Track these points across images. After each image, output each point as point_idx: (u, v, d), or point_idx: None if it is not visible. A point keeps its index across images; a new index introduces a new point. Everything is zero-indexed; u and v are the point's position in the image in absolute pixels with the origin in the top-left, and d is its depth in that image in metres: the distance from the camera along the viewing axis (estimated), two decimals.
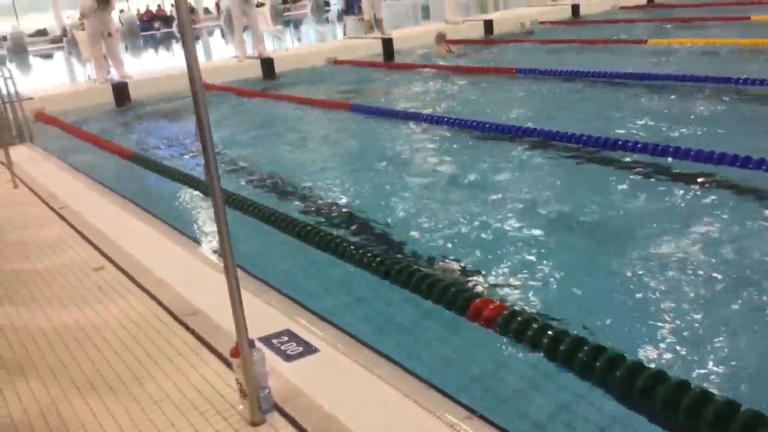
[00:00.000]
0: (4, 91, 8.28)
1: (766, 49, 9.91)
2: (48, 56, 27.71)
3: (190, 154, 7.51)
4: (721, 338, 3.12)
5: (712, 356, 2.98)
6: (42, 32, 34.56)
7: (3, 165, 6.51)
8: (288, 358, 2.76)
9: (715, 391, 2.54)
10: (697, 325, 3.22)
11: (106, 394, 2.66)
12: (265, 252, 4.52)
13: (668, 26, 13.67)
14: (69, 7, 33.57)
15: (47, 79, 17.80)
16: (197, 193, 5.72)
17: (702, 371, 2.86)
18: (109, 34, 11.70)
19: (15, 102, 8.52)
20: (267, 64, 13.16)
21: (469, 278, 3.84)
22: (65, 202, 5.48)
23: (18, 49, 28.58)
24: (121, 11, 31.54)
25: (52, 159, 7.40)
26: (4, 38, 30.71)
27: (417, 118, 7.93)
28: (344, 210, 5.21)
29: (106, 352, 3.00)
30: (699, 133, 6.18)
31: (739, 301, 3.39)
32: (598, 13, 17.31)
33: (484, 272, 3.90)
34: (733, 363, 2.94)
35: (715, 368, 2.89)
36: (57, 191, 5.85)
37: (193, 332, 3.08)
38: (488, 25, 15.96)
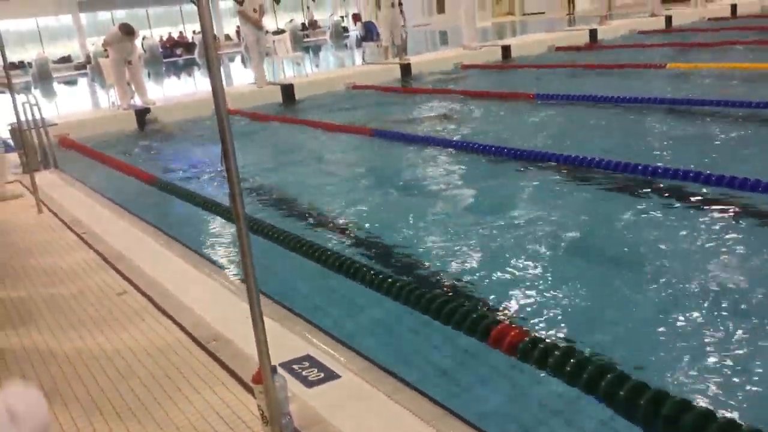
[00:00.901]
0: (30, 117, 8.43)
1: None
2: (72, 82, 28.20)
3: (214, 180, 7.58)
4: (745, 366, 3.08)
5: (737, 385, 2.94)
6: (66, 59, 35.24)
7: (28, 190, 6.61)
8: (309, 384, 2.76)
9: (741, 421, 2.50)
10: (723, 352, 3.17)
11: (129, 420, 2.67)
12: (285, 277, 4.54)
13: (688, 51, 13.67)
14: (93, 35, 34.35)
15: (71, 105, 18.12)
16: (220, 218, 5.76)
17: (727, 400, 2.82)
18: (130, 62, 11.90)
19: (40, 128, 8.66)
20: (287, 90, 13.31)
21: (490, 304, 3.83)
22: (89, 227, 5.55)
23: (43, 76, 29.15)
24: (144, 38, 32.06)
25: (75, 184, 7.50)
26: (30, 65, 31.33)
27: (437, 143, 7.96)
28: (364, 235, 5.23)
29: (129, 377, 3.02)
30: (719, 157, 6.16)
31: (761, 327, 3.35)
32: (616, 38, 17.34)
33: (504, 298, 3.89)
34: (757, 391, 2.89)
35: (740, 397, 2.85)
36: (80, 216, 5.93)
37: (215, 358, 3.09)
38: (506, 50, 16.05)
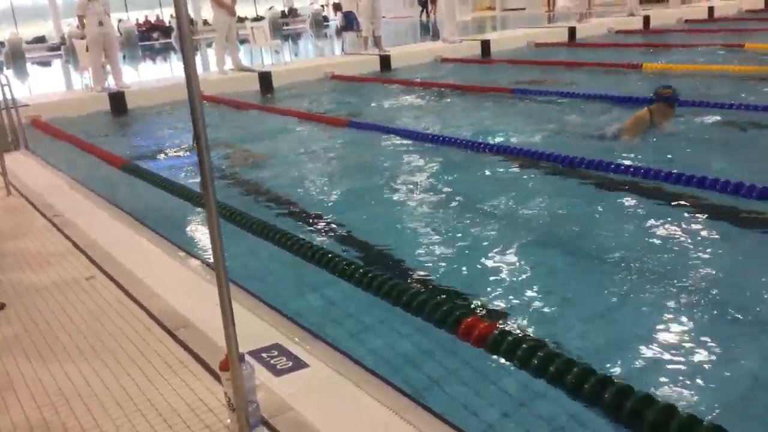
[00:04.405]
0: (1, 98, 8.28)
1: (758, 76, 10.02)
2: (45, 64, 27.72)
3: (186, 165, 7.52)
4: (711, 361, 3.14)
5: (701, 380, 2.99)
6: (40, 39, 34.62)
7: None
8: (277, 372, 2.76)
9: (702, 417, 2.55)
10: (688, 348, 3.23)
11: (94, 406, 2.65)
12: (256, 265, 4.52)
13: (663, 52, 13.80)
14: (69, 16, 33.77)
15: (44, 87, 17.82)
16: (191, 204, 5.72)
17: (691, 396, 2.87)
18: (100, 23, 11.61)
19: (11, 108, 8.51)
20: (265, 77, 13.22)
21: (462, 297, 3.84)
22: (58, 210, 5.47)
23: (16, 56, 28.57)
24: (120, 21, 31.61)
25: (46, 166, 7.39)
26: (2, 44, 30.71)
27: (413, 135, 7.96)
28: (337, 225, 5.22)
29: (95, 363, 2.99)
30: (691, 157, 6.24)
31: (729, 322, 3.41)
32: (595, 36, 17.47)
33: (475, 291, 3.91)
34: (722, 388, 2.95)
35: (704, 393, 2.90)
36: (50, 199, 5.84)
37: (183, 344, 3.07)
38: (485, 45, 16.09)
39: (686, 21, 19.62)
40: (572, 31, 17.52)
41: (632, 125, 6.84)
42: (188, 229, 5.38)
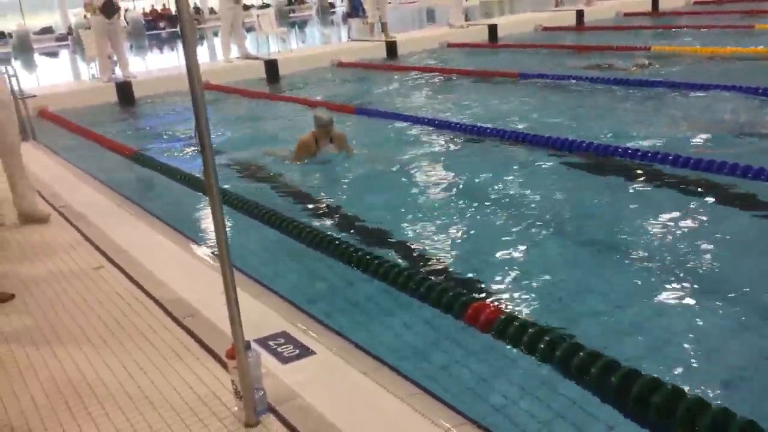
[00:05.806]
0: (8, 88, 8.29)
1: None
2: (53, 54, 27.75)
3: (192, 154, 7.52)
4: (718, 345, 3.12)
5: (709, 364, 2.98)
6: (47, 30, 34.64)
7: None
8: (284, 360, 2.77)
9: (710, 400, 2.54)
10: (695, 332, 3.21)
11: (103, 394, 2.66)
12: (263, 253, 4.53)
13: (672, 34, 13.67)
14: (75, 6, 33.74)
15: (51, 77, 17.84)
16: (198, 193, 5.72)
17: (698, 380, 2.86)
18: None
19: (18, 99, 8.53)
20: (271, 65, 13.19)
21: (469, 282, 3.84)
22: (66, 200, 5.50)
23: (23, 47, 28.61)
24: (126, 10, 31.55)
25: (54, 157, 7.42)
26: (9, 35, 30.74)
27: (420, 121, 7.92)
28: (343, 212, 5.22)
29: (104, 352, 3.01)
30: (696, 140, 6.19)
31: (735, 305, 3.39)
32: (603, 19, 17.31)
33: (484, 276, 3.90)
34: (729, 371, 2.94)
35: (711, 376, 2.89)
36: (58, 189, 5.87)
37: (190, 333, 3.08)
38: (492, 29, 15.97)
39: (695, 3, 19.38)
40: (580, 15, 17.36)
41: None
42: (196, 218, 5.38)
